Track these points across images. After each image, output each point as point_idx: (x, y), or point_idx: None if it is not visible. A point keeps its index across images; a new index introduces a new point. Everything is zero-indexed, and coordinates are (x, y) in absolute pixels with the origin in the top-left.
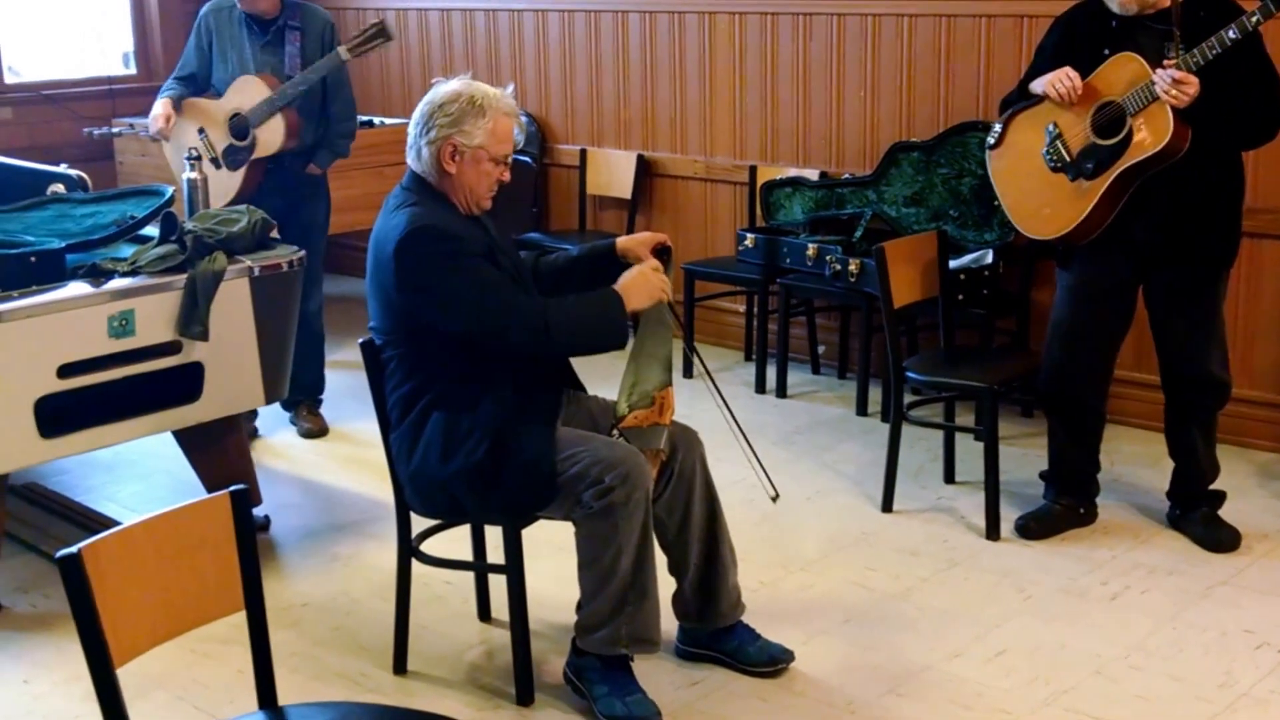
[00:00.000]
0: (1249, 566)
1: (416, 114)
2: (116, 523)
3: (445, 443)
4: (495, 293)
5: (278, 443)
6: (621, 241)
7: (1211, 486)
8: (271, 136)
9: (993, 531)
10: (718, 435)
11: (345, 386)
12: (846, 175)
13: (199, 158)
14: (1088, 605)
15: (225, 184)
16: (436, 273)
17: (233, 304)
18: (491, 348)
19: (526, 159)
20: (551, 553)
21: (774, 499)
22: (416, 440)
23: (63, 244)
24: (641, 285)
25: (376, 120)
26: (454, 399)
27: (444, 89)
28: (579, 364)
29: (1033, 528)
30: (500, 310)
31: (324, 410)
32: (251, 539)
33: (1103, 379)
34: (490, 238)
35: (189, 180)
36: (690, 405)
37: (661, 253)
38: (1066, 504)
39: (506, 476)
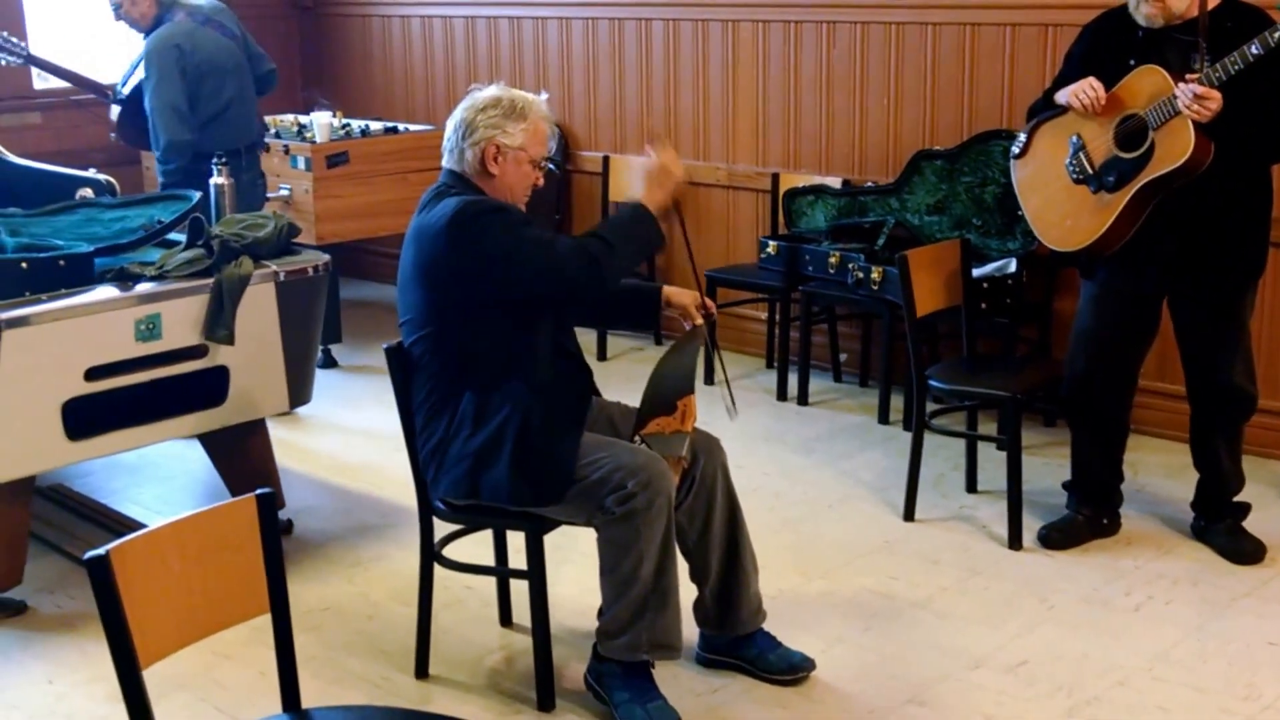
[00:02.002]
0: (1274, 578)
1: (456, 118)
2: (141, 525)
3: (476, 418)
4: (547, 244)
5: (300, 446)
6: (668, 290)
7: (1236, 498)
8: None
9: (1015, 541)
10: (739, 443)
11: (368, 391)
12: (869, 183)
13: (226, 162)
14: (1111, 616)
15: None
16: (491, 235)
17: (258, 308)
18: (553, 293)
19: (550, 166)
20: (573, 558)
21: (732, 418)
22: (451, 419)
23: (91, 248)
24: (654, 178)
25: (401, 127)
26: (487, 385)
27: (483, 94)
28: (598, 369)
29: (1055, 537)
30: (551, 255)
31: (344, 413)
32: (276, 542)
33: (1126, 389)
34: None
35: (215, 186)
36: (711, 412)
37: (704, 316)
38: (1089, 514)
39: (531, 463)
